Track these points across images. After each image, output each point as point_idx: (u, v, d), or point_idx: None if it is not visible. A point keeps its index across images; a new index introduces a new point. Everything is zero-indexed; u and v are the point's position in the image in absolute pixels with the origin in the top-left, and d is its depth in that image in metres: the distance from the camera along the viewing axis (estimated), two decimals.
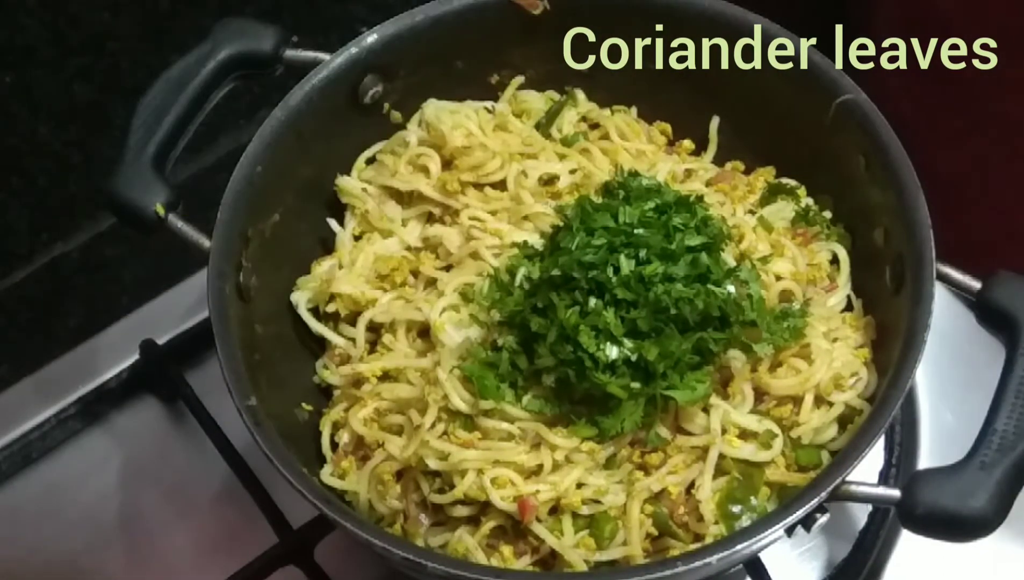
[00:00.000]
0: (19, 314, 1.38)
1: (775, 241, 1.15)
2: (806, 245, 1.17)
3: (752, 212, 1.18)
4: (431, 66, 1.21)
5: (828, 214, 1.18)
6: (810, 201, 1.19)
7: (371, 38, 1.17)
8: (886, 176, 1.09)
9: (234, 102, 1.20)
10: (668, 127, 1.25)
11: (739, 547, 0.95)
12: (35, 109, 1.29)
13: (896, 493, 0.95)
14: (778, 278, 1.12)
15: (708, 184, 1.20)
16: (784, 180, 1.21)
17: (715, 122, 1.23)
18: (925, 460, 1.23)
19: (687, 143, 1.25)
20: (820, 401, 1.08)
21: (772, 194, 1.20)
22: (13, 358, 1.34)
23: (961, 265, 1.06)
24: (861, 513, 1.22)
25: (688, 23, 1.18)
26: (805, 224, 1.18)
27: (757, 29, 1.16)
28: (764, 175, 1.21)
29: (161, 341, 1.30)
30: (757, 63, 1.16)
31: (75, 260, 1.39)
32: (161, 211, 1.08)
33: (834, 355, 1.09)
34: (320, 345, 1.18)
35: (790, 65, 1.15)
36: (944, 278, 1.05)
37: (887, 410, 1.00)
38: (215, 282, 1.07)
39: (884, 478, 1.22)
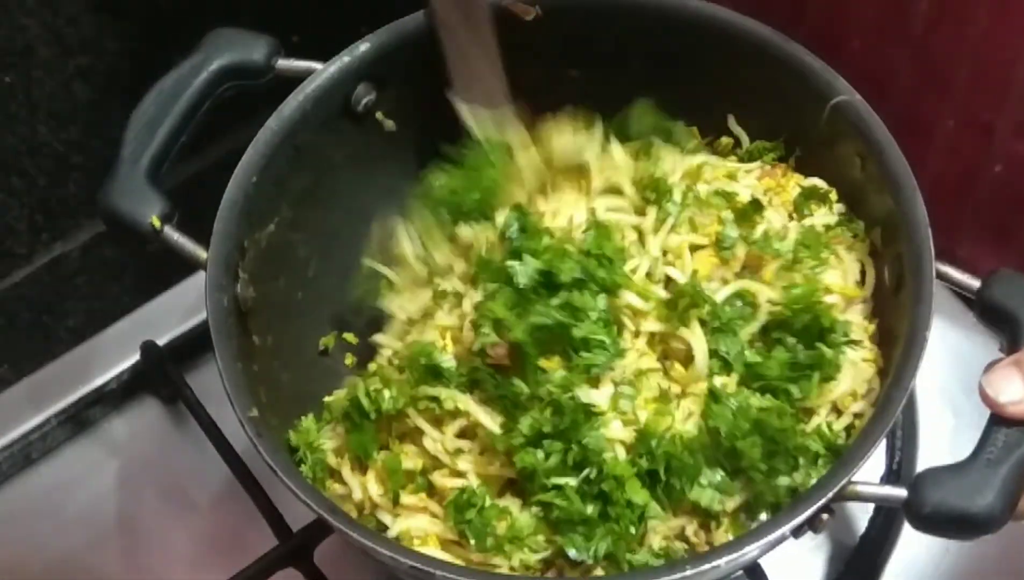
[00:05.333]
0: (19, 314, 1.38)
1: (826, 254, 1.12)
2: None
3: (791, 216, 1.16)
4: (424, 74, 1.19)
5: (862, 224, 1.15)
6: (842, 207, 1.15)
7: (364, 47, 1.16)
8: (883, 177, 1.08)
9: (233, 103, 1.20)
10: (695, 130, 1.23)
11: (747, 549, 0.94)
12: (35, 109, 1.28)
13: (903, 492, 0.94)
14: (828, 291, 1.10)
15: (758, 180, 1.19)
16: (816, 182, 1.17)
17: (731, 118, 1.22)
18: (926, 461, 1.23)
19: (725, 140, 1.22)
20: (833, 409, 1.08)
21: (806, 199, 1.16)
22: (13, 358, 1.34)
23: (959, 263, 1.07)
24: (862, 516, 1.22)
25: (679, 27, 1.17)
26: (843, 228, 1.14)
27: (749, 32, 1.15)
28: (795, 179, 1.18)
29: (161, 342, 1.31)
30: (750, 66, 1.16)
31: (75, 260, 1.38)
32: (157, 224, 1.07)
33: (858, 367, 1.07)
34: (318, 353, 1.18)
35: (783, 67, 1.14)
36: (943, 277, 1.05)
37: (891, 410, 0.99)
38: (213, 294, 1.06)
39: (885, 482, 1.22)
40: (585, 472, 1.01)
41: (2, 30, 1.23)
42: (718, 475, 1.02)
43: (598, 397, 1.04)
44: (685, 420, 1.05)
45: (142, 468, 1.30)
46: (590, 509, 1.01)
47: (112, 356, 1.32)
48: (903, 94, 1.26)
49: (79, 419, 1.31)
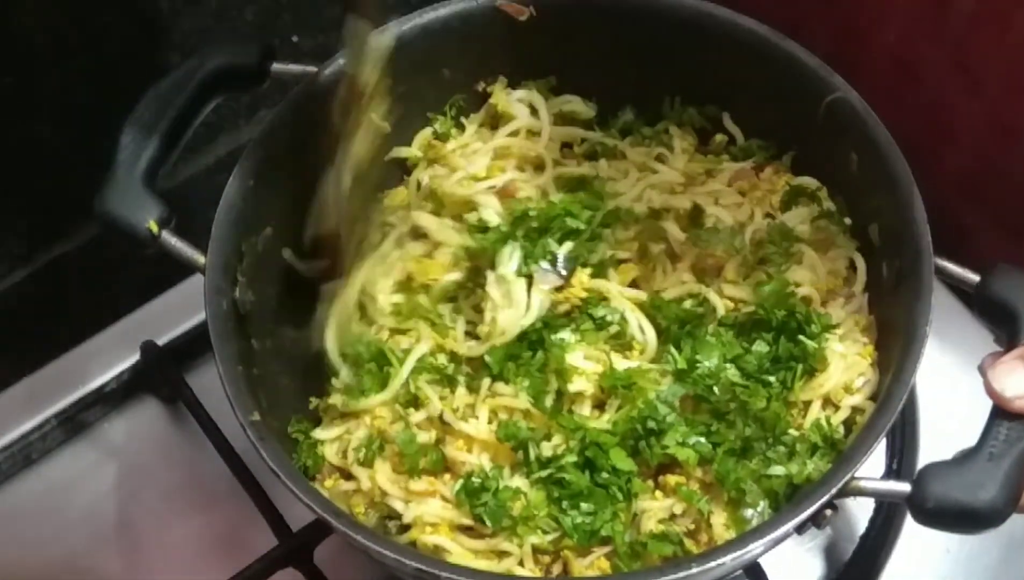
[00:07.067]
0: (19, 314, 1.38)
1: (795, 250, 1.14)
2: (826, 251, 1.15)
3: (771, 216, 1.17)
4: (418, 75, 1.20)
5: (848, 221, 1.16)
6: (831, 205, 1.16)
7: None
8: (880, 173, 1.09)
9: (233, 102, 1.20)
10: (689, 128, 1.24)
11: (752, 546, 0.95)
12: (35, 109, 1.28)
13: (906, 487, 0.95)
14: (796, 285, 1.11)
15: (729, 184, 1.20)
16: (806, 180, 1.18)
17: (727, 116, 1.23)
18: (927, 457, 1.23)
19: (719, 137, 1.23)
20: (827, 403, 1.09)
21: (794, 197, 1.18)
22: (13, 358, 1.34)
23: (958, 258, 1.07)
24: (863, 516, 1.23)
25: (675, 25, 1.18)
26: (828, 222, 1.16)
27: (745, 29, 1.16)
28: (786, 177, 1.19)
29: (161, 342, 1.31)
30: (747, 64, 1.16)
31: (75, 260, 1.38)
32: (154, 228, 1.07)
33: (848, 360, 1.09)
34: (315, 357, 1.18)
35: (780, 65, 1.15)
36: (942, 272, 1.05)
37: (892, 405, 1.00)
38: (213, 298, 1.06)
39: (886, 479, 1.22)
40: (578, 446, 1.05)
41: (2, 30, 1.23)
42: (694, 439, 1.05)
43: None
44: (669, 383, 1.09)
45: (142, 468, 1.30)
46: (584, 480, 1.04)
47: (112, 356, 1.32)
48: (933, 90, 1.26)
49: (79, 419, 1.31)
